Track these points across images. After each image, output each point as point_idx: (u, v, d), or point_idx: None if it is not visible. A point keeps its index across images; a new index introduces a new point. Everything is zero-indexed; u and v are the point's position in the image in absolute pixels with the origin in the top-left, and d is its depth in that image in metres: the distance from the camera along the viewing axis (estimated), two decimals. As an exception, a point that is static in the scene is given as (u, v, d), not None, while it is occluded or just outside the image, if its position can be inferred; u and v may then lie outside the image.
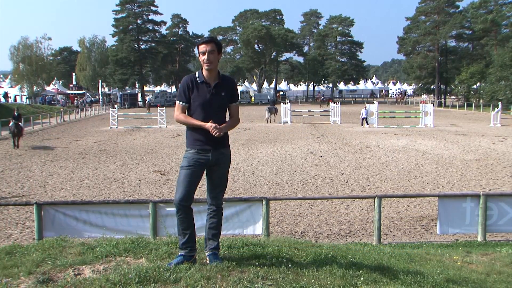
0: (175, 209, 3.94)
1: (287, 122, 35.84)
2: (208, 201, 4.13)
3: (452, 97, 70.96)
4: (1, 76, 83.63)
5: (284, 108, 36.94)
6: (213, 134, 3.81)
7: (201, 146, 3.94)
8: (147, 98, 69.77)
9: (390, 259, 5.40)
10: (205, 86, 3.95)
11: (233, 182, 13.92)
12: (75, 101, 68.27)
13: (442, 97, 71.14)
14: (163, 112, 35.25)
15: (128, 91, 74.24)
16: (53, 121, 39.80)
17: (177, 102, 4.02)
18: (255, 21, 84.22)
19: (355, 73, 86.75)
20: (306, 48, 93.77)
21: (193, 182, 3.92)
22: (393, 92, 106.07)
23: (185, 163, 3.97)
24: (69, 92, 78.47)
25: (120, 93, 72.94)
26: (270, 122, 37.08)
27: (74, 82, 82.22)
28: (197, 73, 4.03)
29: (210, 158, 3.94)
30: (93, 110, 56.57)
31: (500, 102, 37.71)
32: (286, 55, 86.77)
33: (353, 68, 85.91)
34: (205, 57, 3.89)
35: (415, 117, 36.73)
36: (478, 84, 62.01)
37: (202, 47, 3.91)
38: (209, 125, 3.83)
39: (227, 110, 4.09)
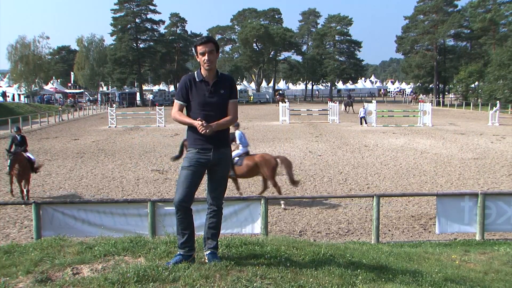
0: (174, 209, 3.91)
1: (285, 121, 35.91)
2: (209, 200, 4.11)
3: (450, 96, 70.95)
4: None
5: (282, 107, 36.99)
6: (200, 131, 3.75)
7: (202, 145, 3.90)
8: (149, 96, 69.67)
9: (388, 258, 5.41)
10: (203, 84, 3.94)
11: (232, 181, 13.88)
12: (68, 100, 68.02)
13: (440, 96, 71.19)
14: (162, 111, 35.25)
15: (127, 90, 74.12)
16: (51, 120, 39.76)
17: (175, 100, 4.02)
18: (253, 20, 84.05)
19: (353, 72, 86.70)
20: (304, 47, 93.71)
21: (193, 182, 3.89)
22: (391, 92, 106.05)
23: (186, 163, 3.93)
24: (67, 91, 78.35)
25: (119, 92, 72.82)
26: (347, 111, 45.91)
27: (72, 81, 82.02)
28: (195, 72, 4.02)
29: (211, 157, 3.91)
30: (92, 109, 56.46)
31: (498, 101, 37.67)
32: (285, 54, 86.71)
33: (351, 67, 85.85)
34: (206, 57, 3.88)
35: (414, 116, 36.77)
36: (476, 83, 62.01)
37: (201, 48, 3.89)
38: (197, 123, 3.77)
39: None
